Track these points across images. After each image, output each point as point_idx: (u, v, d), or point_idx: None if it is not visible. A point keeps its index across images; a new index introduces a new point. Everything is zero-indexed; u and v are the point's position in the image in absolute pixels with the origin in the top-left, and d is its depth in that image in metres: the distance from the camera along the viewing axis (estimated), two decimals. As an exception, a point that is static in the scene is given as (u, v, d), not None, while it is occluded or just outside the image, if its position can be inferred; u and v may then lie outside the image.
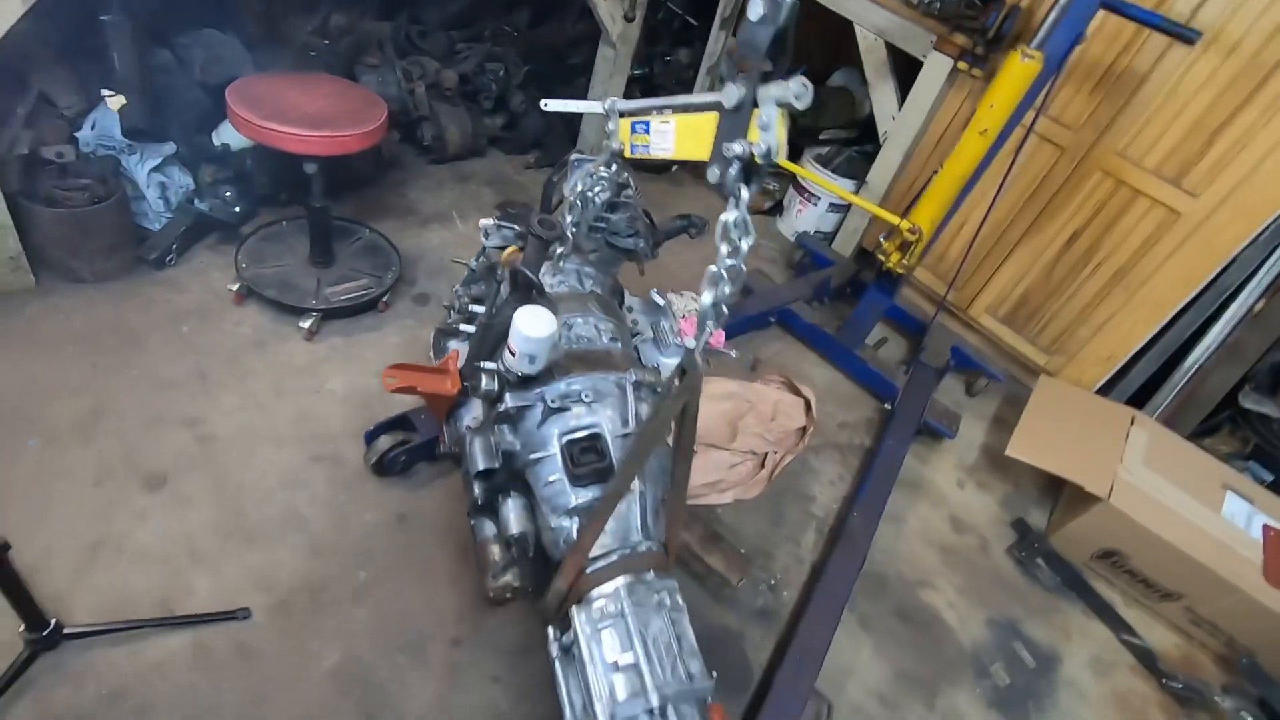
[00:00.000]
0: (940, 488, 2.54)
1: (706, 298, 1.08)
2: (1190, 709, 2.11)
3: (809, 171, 2.62)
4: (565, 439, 1.37)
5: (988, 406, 2.98)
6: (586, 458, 1.35)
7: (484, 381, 1.39)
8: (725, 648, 1.86)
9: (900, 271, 2.48)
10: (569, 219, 1.53)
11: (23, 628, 1.36)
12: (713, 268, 1.07)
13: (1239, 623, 2.20)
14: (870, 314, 2.71)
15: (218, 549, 1.68)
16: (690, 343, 1.15)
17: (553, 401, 1.39)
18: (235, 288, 2.22)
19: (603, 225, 1.62)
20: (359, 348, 2.24)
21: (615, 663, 1.19)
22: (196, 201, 2.33)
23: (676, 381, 1.14)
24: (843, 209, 3.39)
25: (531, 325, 1.30)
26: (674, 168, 3.76)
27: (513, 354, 1.34)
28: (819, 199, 3.37)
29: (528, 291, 1.34)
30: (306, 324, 2.18)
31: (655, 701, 1.14)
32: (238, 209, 2.37)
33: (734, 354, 1.79)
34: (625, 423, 1.41)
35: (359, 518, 1.83)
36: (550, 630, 1.32)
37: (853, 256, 3.15)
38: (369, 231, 2.53)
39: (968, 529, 2.42)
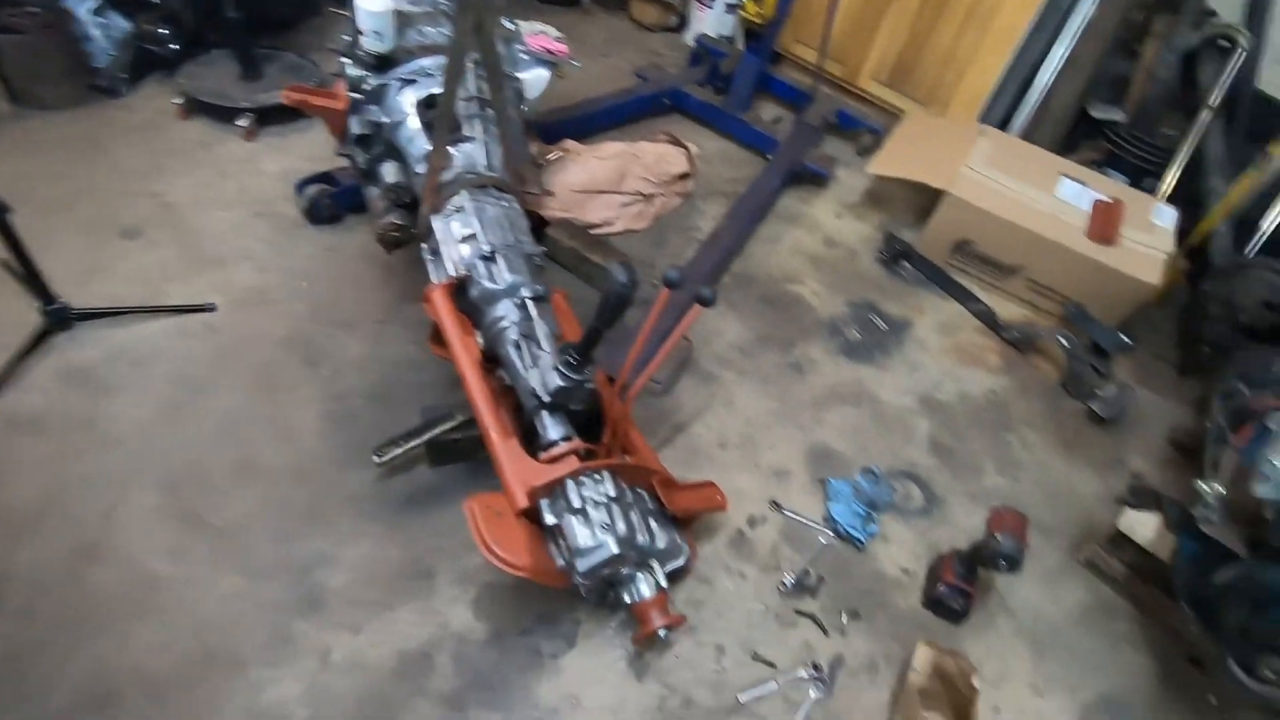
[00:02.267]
0: (818, 219, 2.88)
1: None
2: (1025, 350, 2.49)
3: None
4: (417, 101, 1.74)
5: (875, 163, 3.28)
6: (433, 110, 1.72)
7: (347, 68, 1.76)
8: (610, 322, 2.26)
9: (758, 22, 2.77)
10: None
11: (39, 304, 1.81)
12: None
13: (1069, 281, 2.55)
14: (745, 76, 3.01)
15: (184, 271, 2.10)
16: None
17: (405, 76, 1.76)
18: (179, 102, 2.59)
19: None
20: (291, 143, 2.62)
21: (461, 237, 1.59)
22: (138, 41, 2.68)
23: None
24: (736, 7, 3.62)
25: (369, 2, 1.65)
26: (585, 0, 4.00)
27: (363, 34, 1.70)
28: (713, 1, 3.61)
29: (366, -20, 1.68)
30: (244, 123, 2.56)
31: (486, 249, 1.54)
32: (174, 45, 2.72)
33: (577, 63, 2.13)
34: (466, 89, 1.77)
35: (297, 250, 2.24)
36: (423, 245, 1.72)
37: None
38: (293, 55, 2.87)
39: (839, 245, 2.78)
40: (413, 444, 1.66)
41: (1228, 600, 1.37)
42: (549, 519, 1.29)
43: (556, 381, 1.36)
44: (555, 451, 1.36)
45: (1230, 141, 2.87)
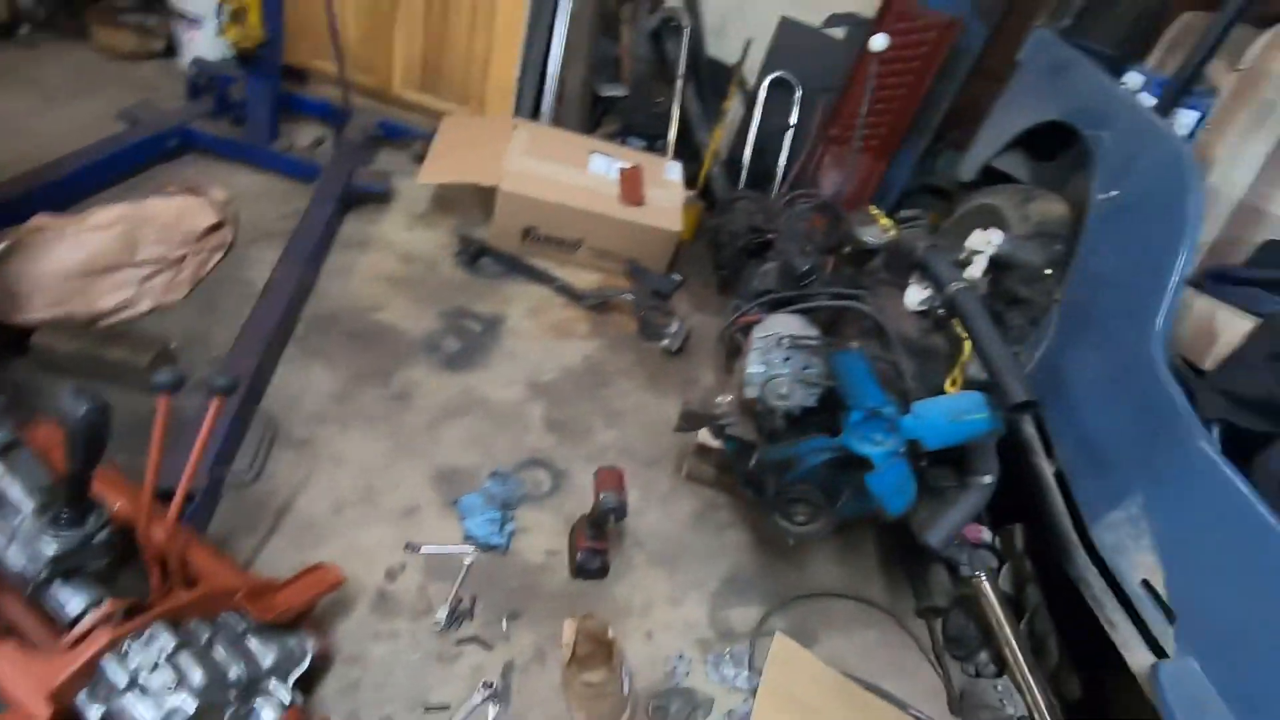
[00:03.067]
0: (390, 236, 2.82)
1: None
2: (604, 312, 2.81)
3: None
4: None
5: (435, 167, 3.30)
6: None
7: None
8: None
9: (247, 45, 2.52)
10: None
11: None
12: None
13: (620, 242, 2.92)
14: (259, 102, 2.75)
15: None
16: None
17: None
18: None
19: None
20: None
21: None
22: None
23: None
24: (231, 25, 3.25)
25: None
26: (23, 29, 3.19)
27: None
28: (200, 19, 3.18)
29: None
30: None
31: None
32: None
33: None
34: None
35: None
36: None
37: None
38: None
39: (417, 258, 2.76)
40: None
41: (761, 475, 1.76)
42: (94, 713, 1.06)
43: (49, 550, 1.10)
44: (80, 630, 1.11)
45: (703, 100, 3.55)
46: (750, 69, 3.56)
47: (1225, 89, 1.83)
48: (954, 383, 1.54)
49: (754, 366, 1.51)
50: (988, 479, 1.54)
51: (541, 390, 2.41)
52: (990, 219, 2.48)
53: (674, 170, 3.11)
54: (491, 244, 2.88)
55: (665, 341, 2.69)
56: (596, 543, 1.89)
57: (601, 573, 1.91)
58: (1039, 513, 1.86)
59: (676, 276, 3.08)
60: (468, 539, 1.90)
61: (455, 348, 2.44)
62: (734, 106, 3.44)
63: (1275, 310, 1.48)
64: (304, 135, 3.13)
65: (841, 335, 1.63)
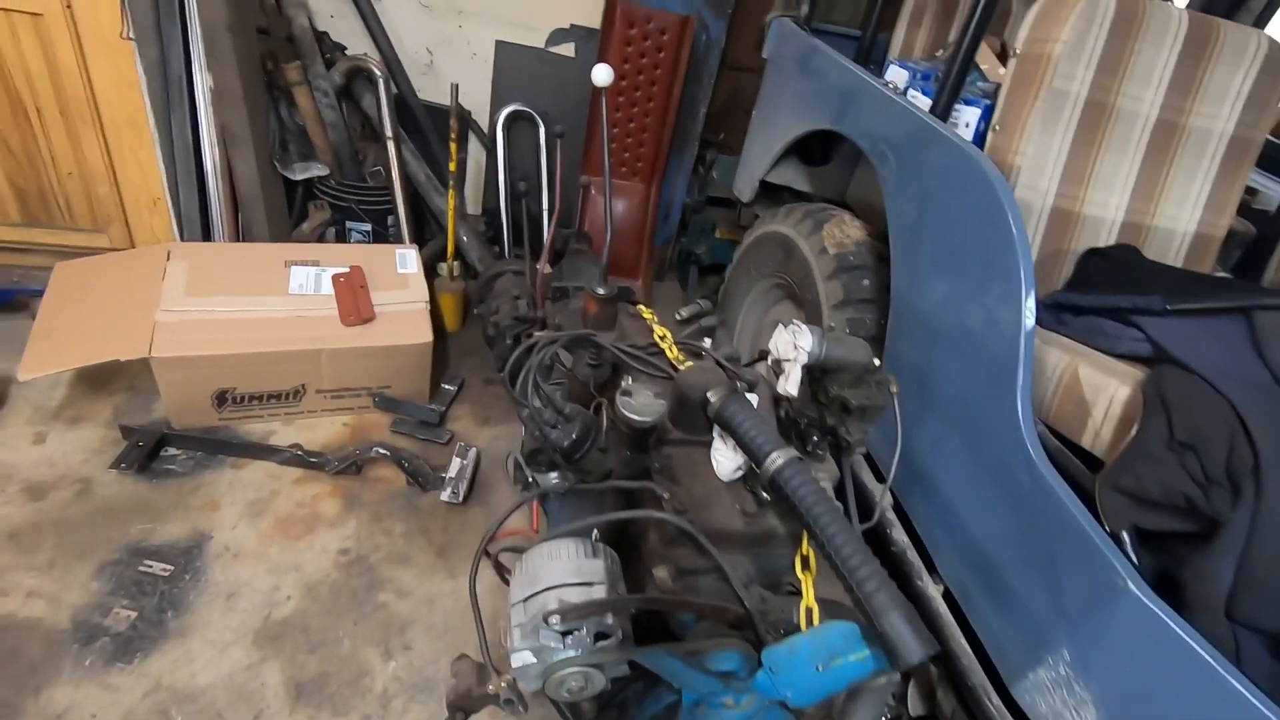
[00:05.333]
0: (5, 463, 1.93)
1: None
2: (356, 473, 2.12)
3: None
4: None
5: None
6: None
7: None
8: None
9: None
10: None
11: None
12: None
13: (356, 374, 2.23)
14: None
15: None
16: None
17: None
18: None
19: None
20: None
21: None
22: None
23: None
24: None
25: None
26: None
27: None
28: None
29: None
30: None
31: None
32: None
33: None
34: None
35: None
36: None
37: None
38: None
39: (55, 486, 1.90)
40: None
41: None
42: None
43: None
44: None
45: (430, 157, 2.91)
46: (480, 109, 2.97)
47: (1000, 75, 1.53)
48: (805, 560, 1.09)
49: (520, 658, 0.96)
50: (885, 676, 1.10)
51: (278, 636, 1.70)
52: (780, 251, 2.10)
53: (409, 260, 2.45)
54: (174, 426, 2.08)
55: (445, 493, 2.07)
56: None
57: None
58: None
59: (449, 386, 2.46)
60: None
61: (128, 621, 1.65)
62: (469, 156, 2.84)
63: (1159, 375, 1.15)
64: None
65: (641, 548, 1.12)
